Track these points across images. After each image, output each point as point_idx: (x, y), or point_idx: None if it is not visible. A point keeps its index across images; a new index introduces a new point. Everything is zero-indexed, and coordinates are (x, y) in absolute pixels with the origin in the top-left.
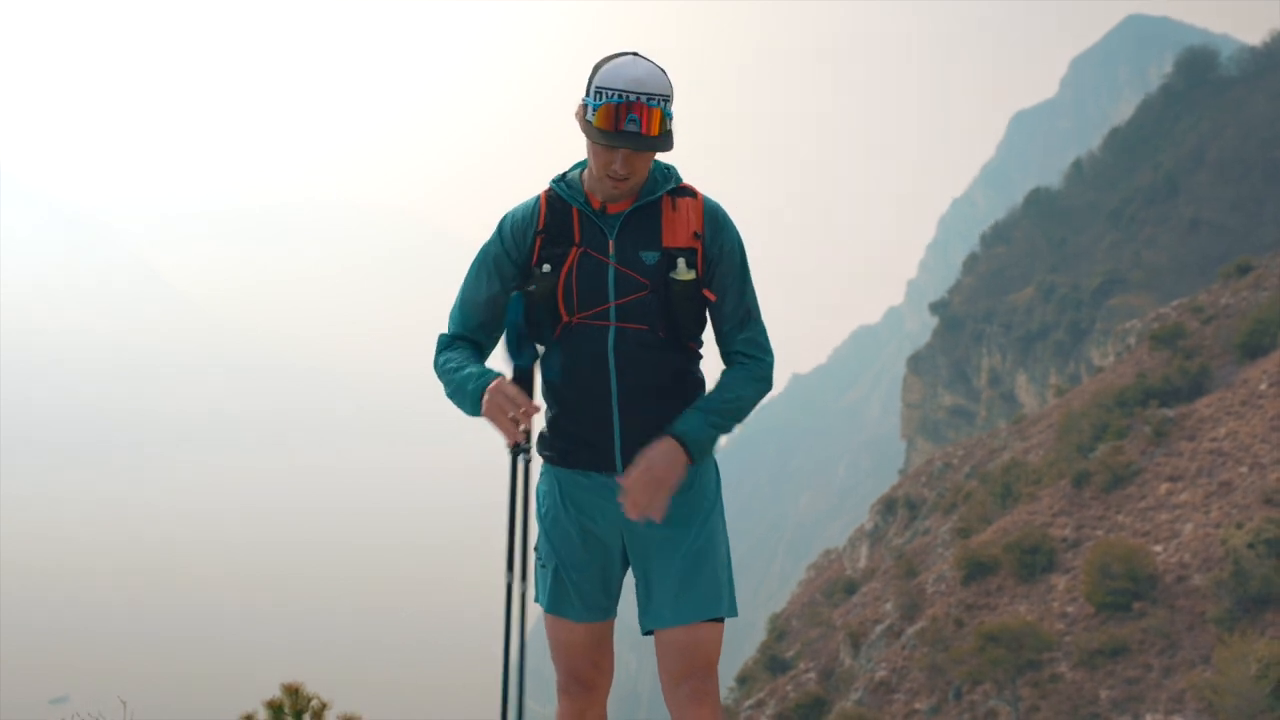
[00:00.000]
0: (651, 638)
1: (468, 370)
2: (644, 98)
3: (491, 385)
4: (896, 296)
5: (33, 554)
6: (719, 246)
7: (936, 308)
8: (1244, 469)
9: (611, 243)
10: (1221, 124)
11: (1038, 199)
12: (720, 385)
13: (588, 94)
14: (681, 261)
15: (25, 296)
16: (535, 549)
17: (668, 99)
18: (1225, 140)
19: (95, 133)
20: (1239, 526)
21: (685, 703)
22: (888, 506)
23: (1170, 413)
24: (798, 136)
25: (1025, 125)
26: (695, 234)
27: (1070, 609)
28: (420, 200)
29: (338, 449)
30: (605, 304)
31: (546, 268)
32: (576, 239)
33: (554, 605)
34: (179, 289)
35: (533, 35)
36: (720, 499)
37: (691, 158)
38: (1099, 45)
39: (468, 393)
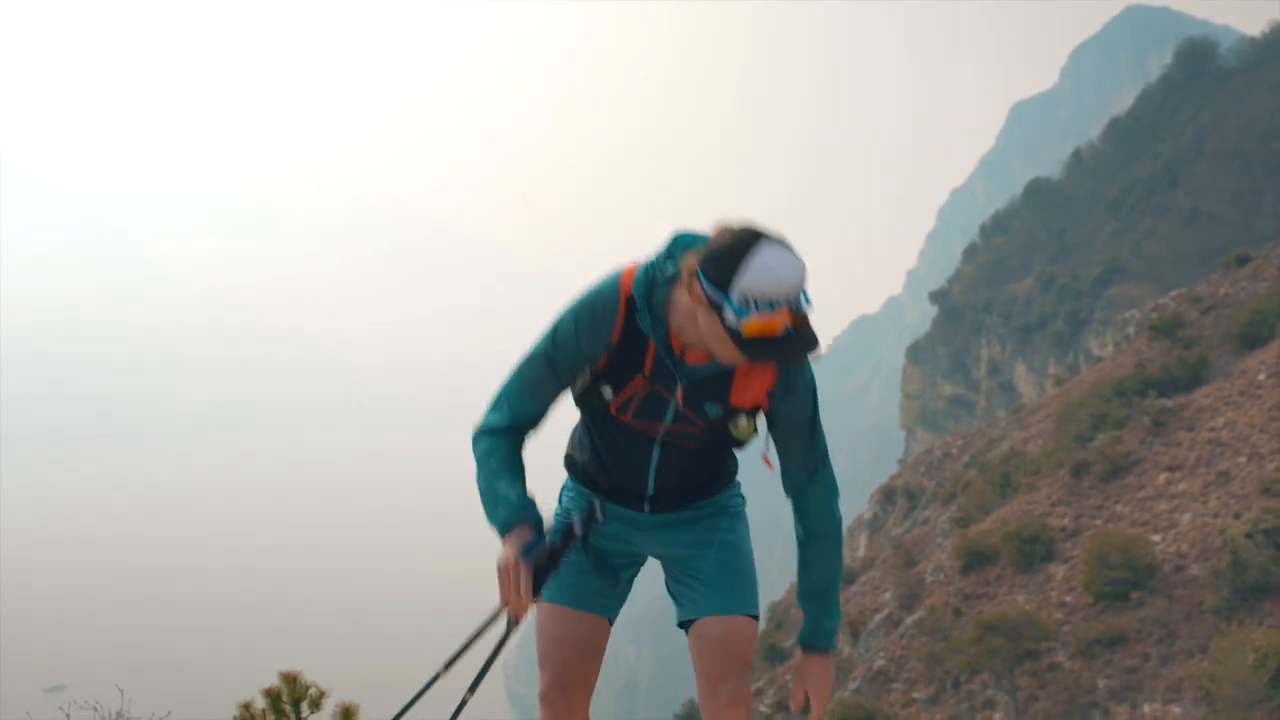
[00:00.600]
0: (656, 626)
1: (504, 491)
2: (794, 303)
3: (510, 558)
4: (896, 286)
5: (29, 545)
6: (789, 405)
7: (936, 298)
8: (1242, 459)
9: (680, 389)
10: (1221, 115)
11: (1037, 189)
12: (825, 572)
13: (724, 292)
14: (744, 419)
15: (26, 289)
16: (548, 539)
17: (808, 293)
18: (1225, 131)
19: (97, 126)
20: (1237, 516)
21: (725, 705)
22: (887, 496)
23: (1169, 403)
24: (798, 127)
25: (1025, 116)
26: (767, 391)
27: (1069, 599)
28: (420, 193)
29: (337, 440)
30: (659, 424)
31: (608, 391)
32: (646, 371)
33: (559, 594)
34: (180, 282)
35: (533, 27)
36: (744, 515)
37: (692, 150)
38: (1099, 36)
39: (496, 518)
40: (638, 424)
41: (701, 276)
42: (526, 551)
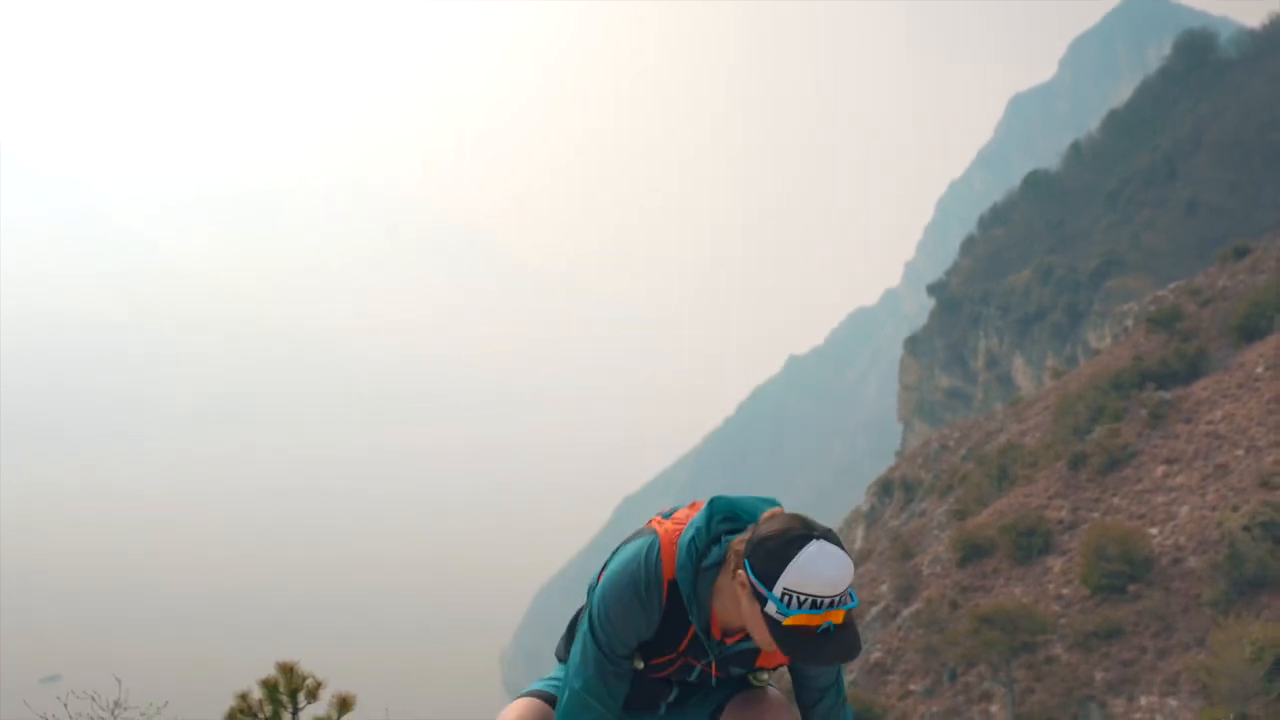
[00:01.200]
0: None
1: None
2: (840, 604)
3: None
4: (894, 278)
5: (24, 536)
6: (814, 669)
7: (934, 289)
8: (1240, 452)
9: (714, 664)
10: (1220, 107)
11: (1035, 181)
12: None
13: (769, 586)
14: (765, 675)
15: (24, 281)
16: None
17: (853, 593)
18: (1224, 123)
19: (96, 118)
20: (1235, 509)
21: None
22: (884, 488)
23: (1167, 395)
24: (795, 121)
25: (1023, 107)
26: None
27: (1066, 591)
28: (420, 184)
29: (335, 433)
30: (683, 678)
31: (640, 664)
32: (683, 649)
33: (546, 686)
34: (179, 274)
35: (534, 16)
36: None
37: (690, 145)
38: (1098, 27)
39: None
40: (656, 670)
41: (748, 565)
42: None
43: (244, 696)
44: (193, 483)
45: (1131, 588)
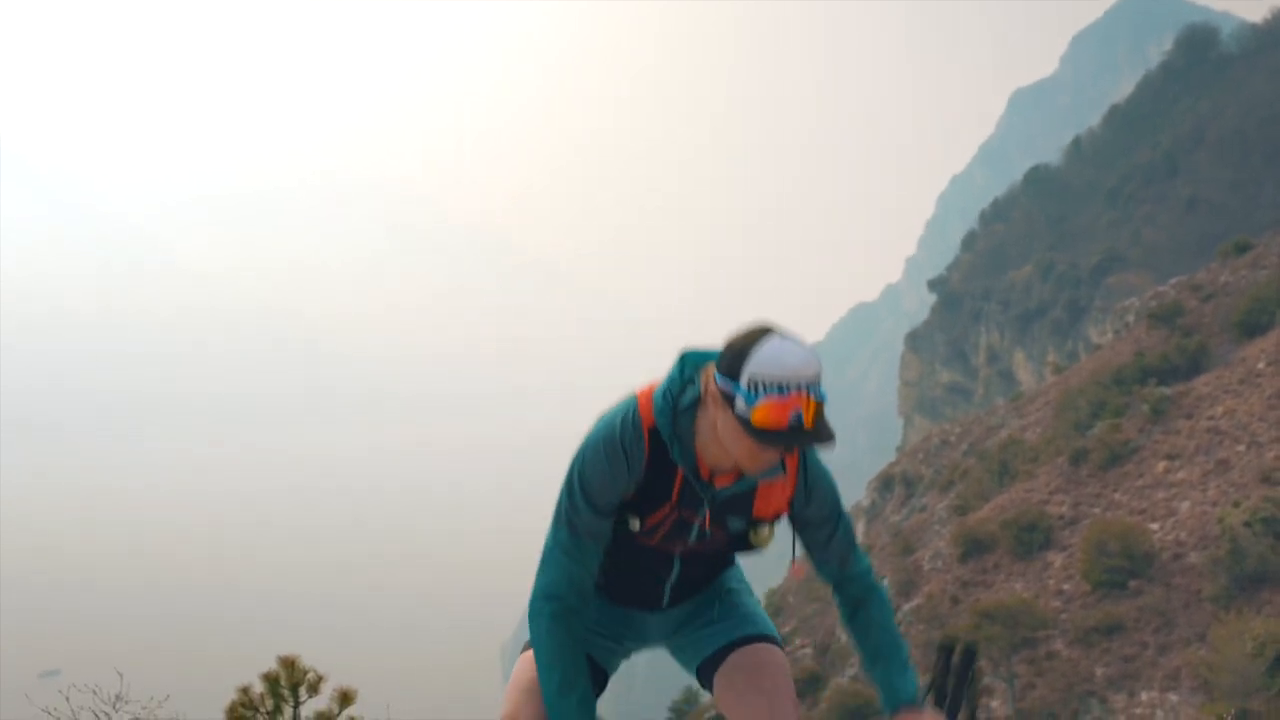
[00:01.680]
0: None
1: (581, 715)
2: (807, 390)
3: None
4: (895, 274)
5: (23, 531)
6: (812, 508)
7: (935, 285)
8: (1241, 447)
9: (708, 513)
10: (1221, 103)
11: (1037, 177)
12: (889, 637)
13: (735, 381)
14: (765, 528)
15: (26, 278)
16: None
17: (821, 384)
18: (1225, 119)
19: (98, 116)
20: (1236, 505)
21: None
22: (885, 483)
23: (1168, 391)
24: (796, 117)
25: (1025, 103)
26: (788, 499)
27: (1066, 587)
28: (421, 183)
29: (336, 431)
30: (682, 544)
31: (635, 523)
32: (674, 500)
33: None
34: (181, 268)
35: (534, 15)
36: (742, 574)
37: (690, 144)
38: (1099, 22)
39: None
40: (660, 546)
41: (716, 373)
42: None
43: (245, 690)
44: (192, 480)
45: (1132, 583)
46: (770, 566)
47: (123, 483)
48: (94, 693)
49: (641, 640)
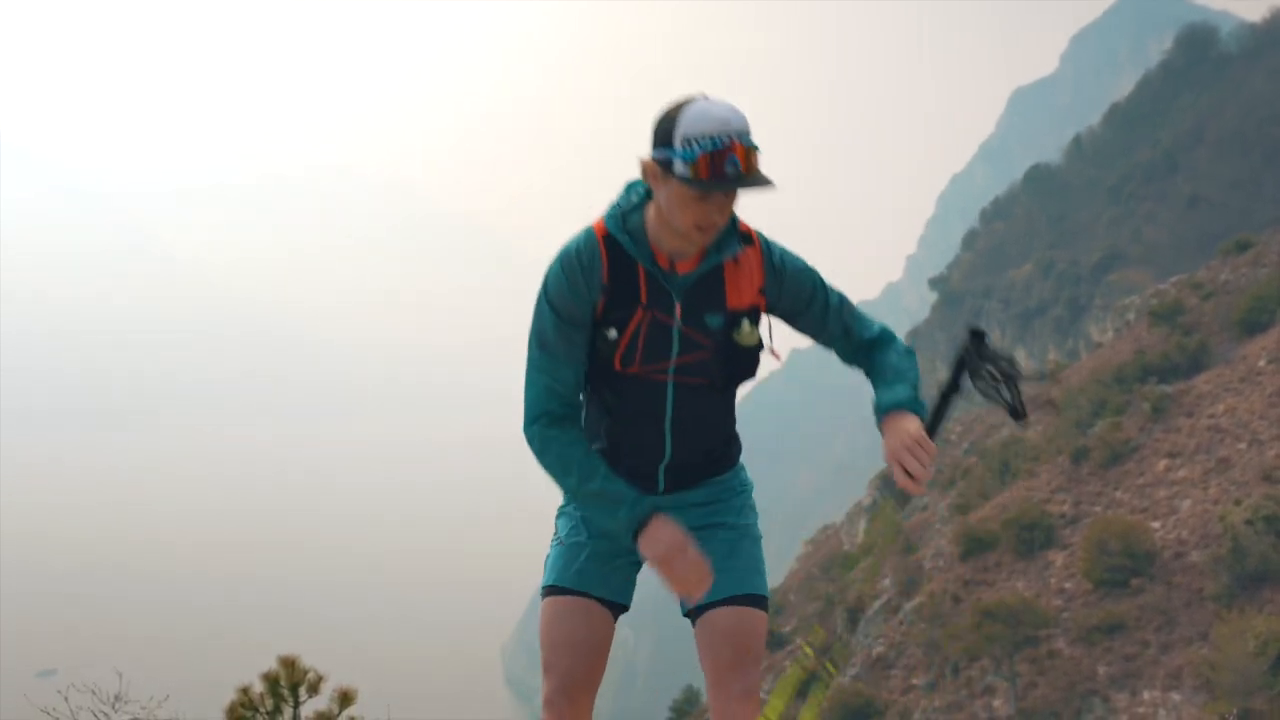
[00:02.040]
0: (655, 613)
1: (614, 487)
2: (738, 137)
3: (678, 540)
4: (895, 272)
5: (17, 527)
6: (786, 286)
7: (935, 284)
8: (1242, 445)
9: (679, 306)
10: (1221, 101)
11: (1037, 175)
12: (893, 363)
13: (669, 146)
14: (745, 323)
15: (27, 266)
16: (554, 536)
17: (752, 134)
18: (1225, 117)
19: (96, 104)
20: (1237, 503)
21: (736, 701)
22: (886, 482)
23: (1169, 389)
24: (798, 113)
25: (1025, 101)
26: (760, 289)
27: (1068, 585)
28: (423, 181)
29: (336, 423)
30: (667, 360)
31: (612, 334)
32: (643, 300)
33: (575, 579)
34: (180, 259)
35: (535, 13)
36: (752, 499)
37: None
38: (1099, 21)
39: (617, 518)
40: (646, 370)
41: (651, 151)
42: None
43: (245, 690)
44: (187, 472)
45: (1134, 582)
46: (771, 567)
47: (117, 477)
48: (93, 692)
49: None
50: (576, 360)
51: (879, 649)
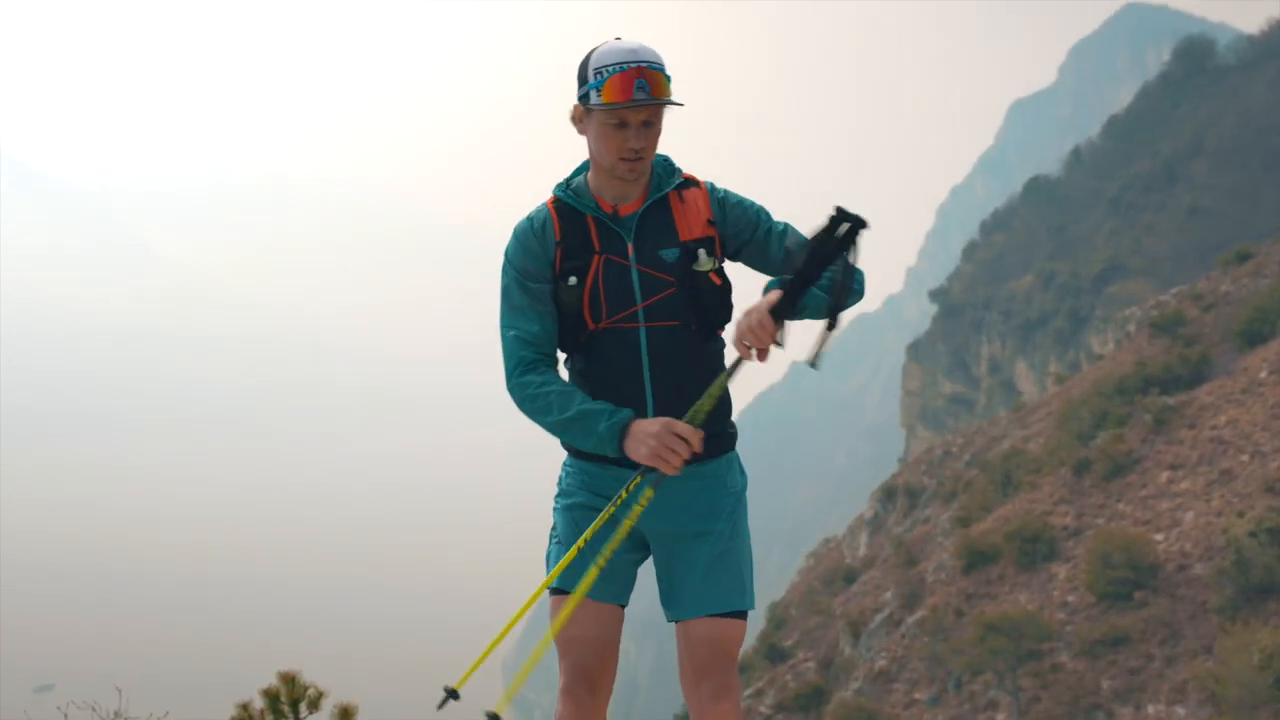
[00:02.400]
0: (656, 625)
1: (589, 405)
2: (645, 64)
3: (660, 429)
4: (896, 284)
5: (14, 539)
6: (730, 215)
7: (936, 295)
8: (1245, 457)
9: (630, 245)
10: (1219, 112)
11: (1037, 186)
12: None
13: (584, 83)
14: (701, 252)
15: (19, 271)
16: (552, 532)
17: (664, 64)
18: (1223, 128)
19: (84, 108)
20: (1240, 515)
21: (707, 699)
22: (887, 495)
23: (1171, 400)
24: (796, 125)
25: (1024, 113)
26: (709, 221)
27: (1071, 598)
28: (413, 181)
29: (336, 427)
30: (633, 307)
31: (573, 280)
32: (596, 247)
33: (573, 582)
34: (173, 264)
35: (532, 15)
36: (745, 497)
37: (691, 149)
38: (1097, 33)
39: (597, 432)
40: (616, 321)
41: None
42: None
43: (245, 707)
44: (182, 486)
45: (1137, 595)
46: (772, 580)
47: (114, 487)
48: (93, 709)
49: (625, 509)
50: (541, 313)
51: (881, 662)
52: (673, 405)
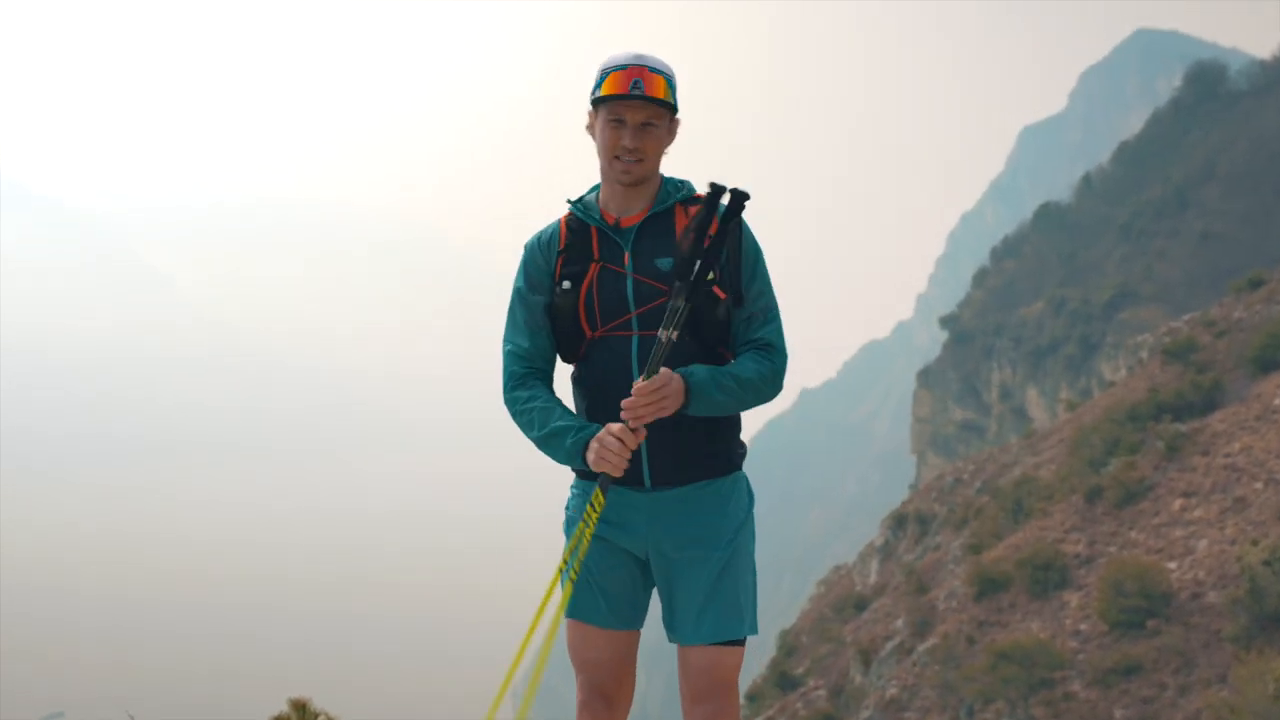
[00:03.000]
0: (667, 654)
1: (560, 423)
2: (646, 65)
3: (603, 432)
4: (906, 311)
5: (21, 564)
6: (728, 254)
7: (946, 322)
8: (1259, 484)
9: (628, 254)
10: (1231, 137)
11: (1047, 213)
12: (729, 364)
13: (593, 92)
14: (696, 262)
15: (21, 295)
16: (563, 561)
17: (670, 75)
18: (1235, 153)
19: (86, 131)
20: (1255, 543)
21: None
22: (898, 522)
23: (1183, 427)
24: (807, 151)
25: (1034, 139)
26: (709, 235)
27: (1083, 626)
28: (415, 201)
29: (337, 452)
30: (626, 314)
31: (567, 285)
32: (595, 255)
33: (579, 611)
34: (175, 286)
35: (533, 34)
36: (751, 519)
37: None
38: (1108, 59)
39: (564, 448)
40: (609, 328)
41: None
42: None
43: None
44: (193, 502)
45: (1150, 623)
46: (784, 608)
47: (119, 511)
48: None
49: (628, 534)
50: (534, 328)
51: (892, 691)
52: (669, 446)
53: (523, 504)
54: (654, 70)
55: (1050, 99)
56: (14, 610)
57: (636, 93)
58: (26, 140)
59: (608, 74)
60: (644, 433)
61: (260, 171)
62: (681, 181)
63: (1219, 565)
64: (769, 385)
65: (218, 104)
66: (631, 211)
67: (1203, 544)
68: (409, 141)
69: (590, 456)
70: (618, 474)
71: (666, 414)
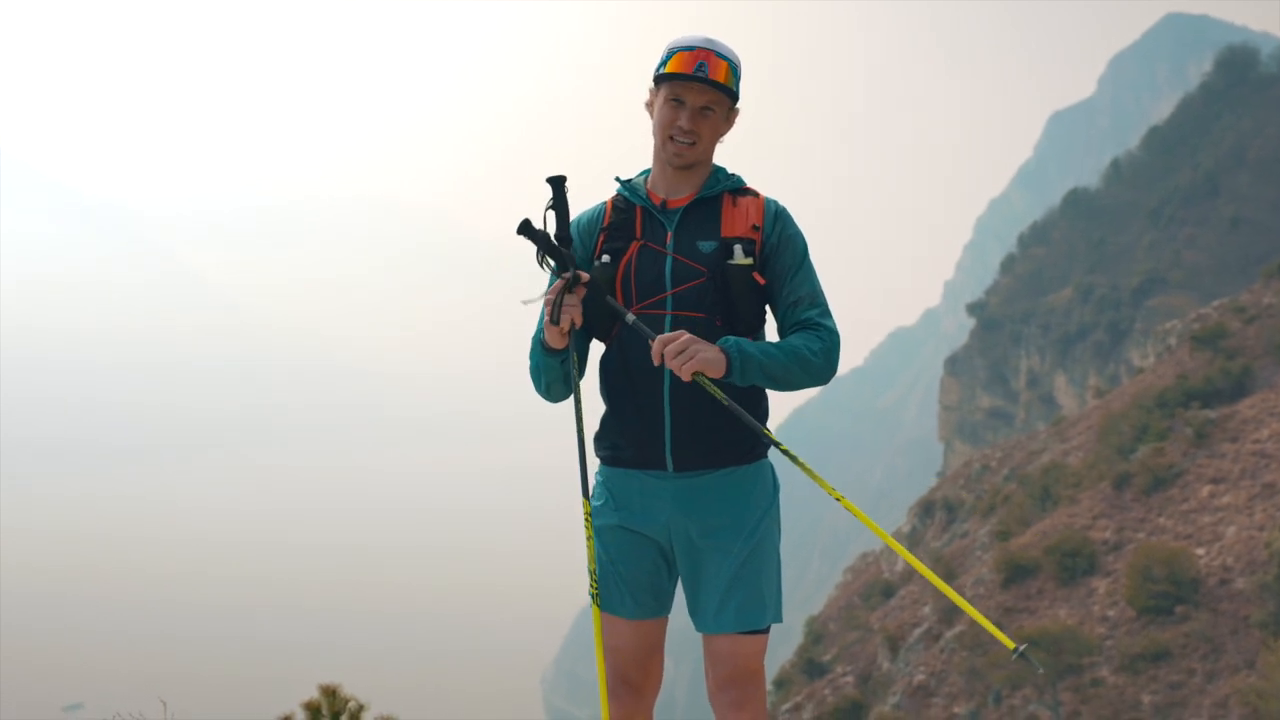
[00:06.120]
0: (695, 640)
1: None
2: (714, 50)
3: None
4: (933, 298)
5: (46, 555)
6: (778, 235)
7: (974, 309)
8: None
9: (670, 234)
10: (1262, 122)
11: (1075, 199)
12: (781, 341)
13: (657, 69)
14: (738, 248)
15: (51, 292)
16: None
17: (736, 63)
18: (1266, 139)
19: (122, 128)
20: None
21: (727, 708)
22: (925, 509)
23: (1212, 414)
24: (834, 139)
25: (1063, 125)
26: (754, 226)
27: (1111, 613)
28: (449, 199)
29: (371, 449)
30: (662, 293)
31: (606, 258)
32: (638, 234)
33: (605, 603)
34: (208, 284)
35: (561, 31)
36: (776, 505)
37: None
38: (1137, 44)
39: (537, 337)
40: (644, 307)
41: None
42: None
43: (287, 719)
44: (217, 497)
45: (1178, 609)
46: (809, 594)
47: (140, 502)
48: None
49: (651, 521)
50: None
51: (920, 677)
52: (687, 395)
53: (553, 499)
54: (720, 55)
55: (1079, 84)
56: (35, 604)
57: (700, 75)
58: (58, 136)
59: (674, 53)
60: (582, 290)
61: (288, 170)
62: (733, 174)
63: (1247, 551)
64: (820, 360)
65: (251, 102)
66: (679, 194)
67: (1231, 530)
68: (439, 139)
69: (546, 319)
70: (561, 323)
71: (702, 365)
